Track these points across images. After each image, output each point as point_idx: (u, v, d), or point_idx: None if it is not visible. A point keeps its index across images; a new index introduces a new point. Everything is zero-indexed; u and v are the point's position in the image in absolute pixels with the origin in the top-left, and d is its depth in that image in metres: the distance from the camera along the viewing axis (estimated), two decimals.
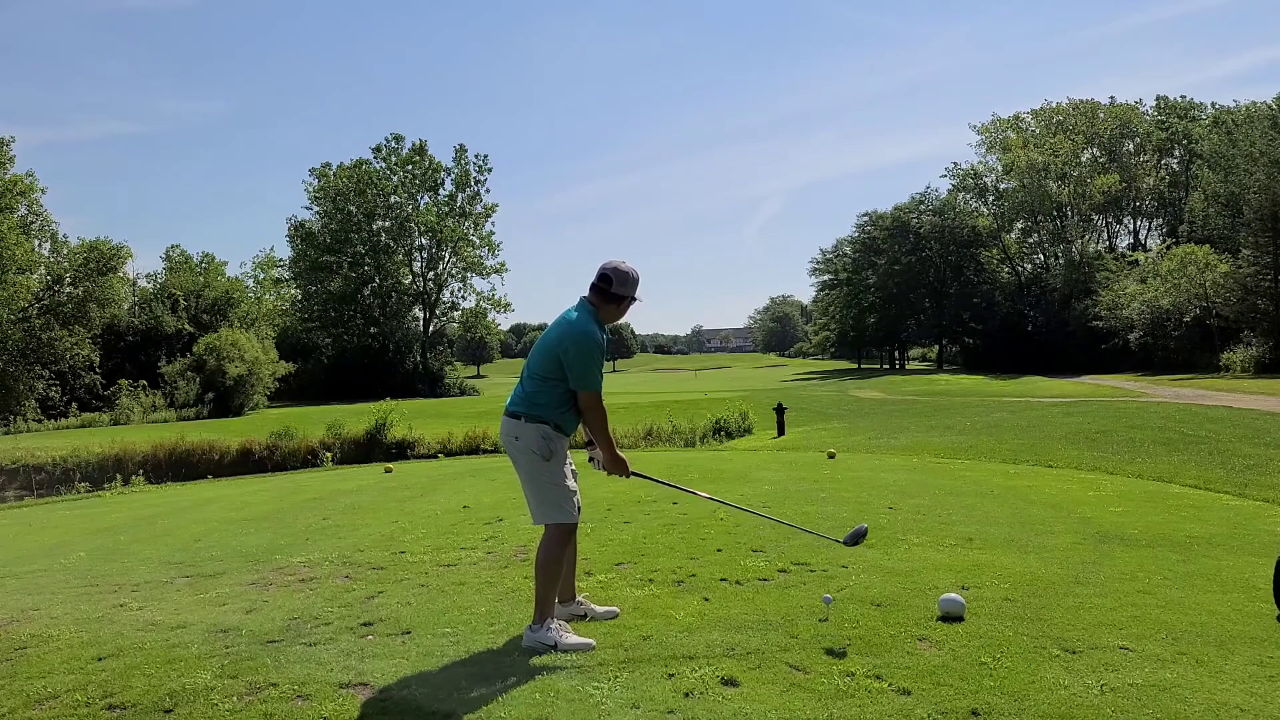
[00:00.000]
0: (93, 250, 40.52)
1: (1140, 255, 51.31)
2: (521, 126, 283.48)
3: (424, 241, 60.21)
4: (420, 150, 59.46)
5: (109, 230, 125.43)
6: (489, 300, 62.81)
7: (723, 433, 23.04)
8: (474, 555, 5.68)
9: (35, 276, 38.35)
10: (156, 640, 4.01)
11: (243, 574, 5.41)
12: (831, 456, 11.96)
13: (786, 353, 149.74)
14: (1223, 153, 47.47)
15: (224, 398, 39.65)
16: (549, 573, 3.82)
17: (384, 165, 59.11)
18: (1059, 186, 55.72)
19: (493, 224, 61.89)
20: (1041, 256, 62.04)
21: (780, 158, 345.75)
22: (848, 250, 71.79)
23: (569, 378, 3.80)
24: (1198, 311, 39.07)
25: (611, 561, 5.33)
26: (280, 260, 61.38)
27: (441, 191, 60.28)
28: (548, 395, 3.83)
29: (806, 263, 79.88)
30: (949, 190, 66.40)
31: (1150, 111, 61.22)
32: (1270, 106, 48.29)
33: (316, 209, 58.09)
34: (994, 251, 63.32)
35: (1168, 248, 47.23)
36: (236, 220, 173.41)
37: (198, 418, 37.20)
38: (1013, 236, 62.66)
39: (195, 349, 41.24)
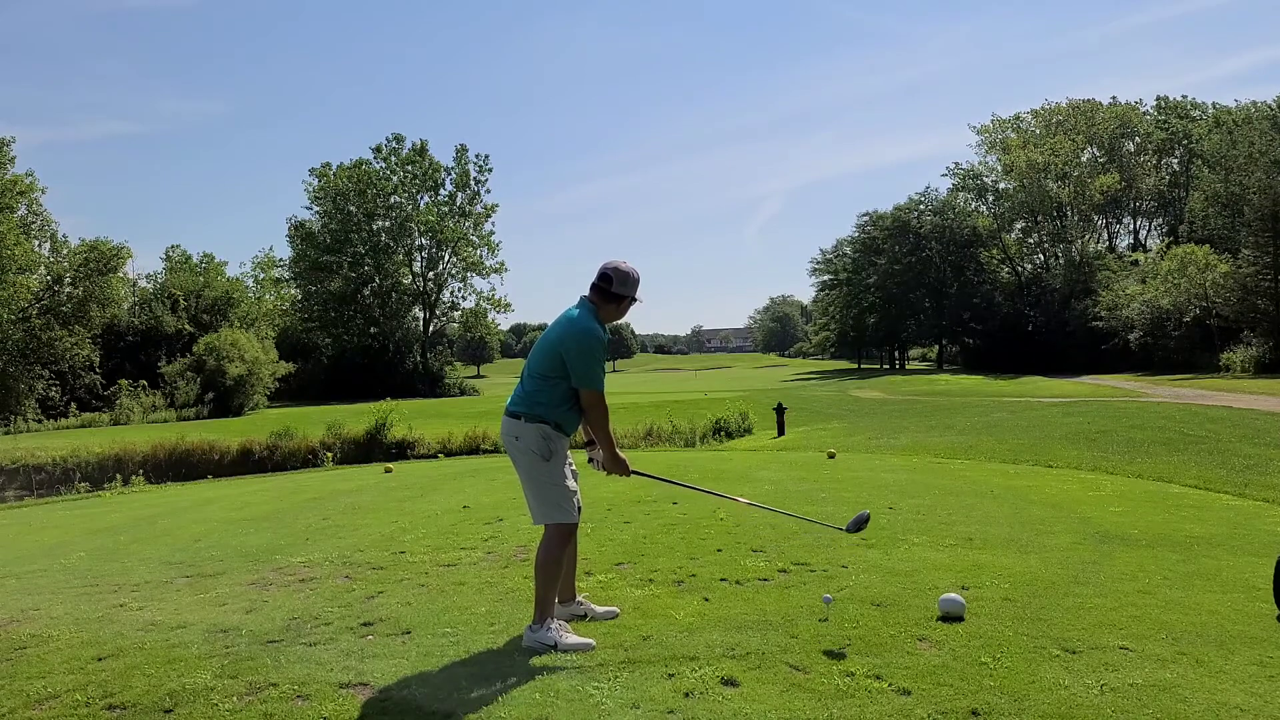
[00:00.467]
0: (93, 250, 40.52)
1: (1140, 255, 51.37)
2: (521, 126, 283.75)
3: (424, 241, 60.19)
4: (420, 150, 59.46)
5: (109, 230, 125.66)
6: (489, 300, 62.82)
7: (723, 433, 23.05)
8: (474, 555, 5.68)
9: (35, 276, 38.34)
10: (156, 640, 4.01)
11: (243, 574, 5.40)
12: (831, 456, 11.96)
13: (786, 353, 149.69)
14: (1223, 153, 47.48)
15: (224, 398, 39.64)
16: (549, 573, 3.82)
17: (384, 165, 59.09)
18: (1059, 186, 55.71)
19: (493, 224, 61.94)
20: (1041, 256, 62.04)
21: (780, 158, 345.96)
22: (848, 250, 71.74)
23: (571, 376, 3.80)
24: (1198, 311, 39.06)
25: (611, 561, 5.33)
26: (280, 260, 61.45)
27: (442, 191, 60.29)
28: (548, 394, 3.83)
29: (806, 263, 79.94)
30: (949, 190, 66.46)
31: (1150, 111, 61.25)
32: (1271, 106, 48.34)
33: (316, 209, 58.08)
34: (994, 251, 63.31)
35: (1168, 248, 47.25)
36: (236, 220, 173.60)
37: (198, 418, 37.19)
38: (1013, 236, 62.65)
39: (195, 349, 41.22)
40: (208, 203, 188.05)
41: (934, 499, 7.57)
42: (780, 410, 21.62)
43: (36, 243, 39.43)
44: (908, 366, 74.67)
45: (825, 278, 74.39)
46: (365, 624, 4.17)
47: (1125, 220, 63.11)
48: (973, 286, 63.42)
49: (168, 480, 19.55)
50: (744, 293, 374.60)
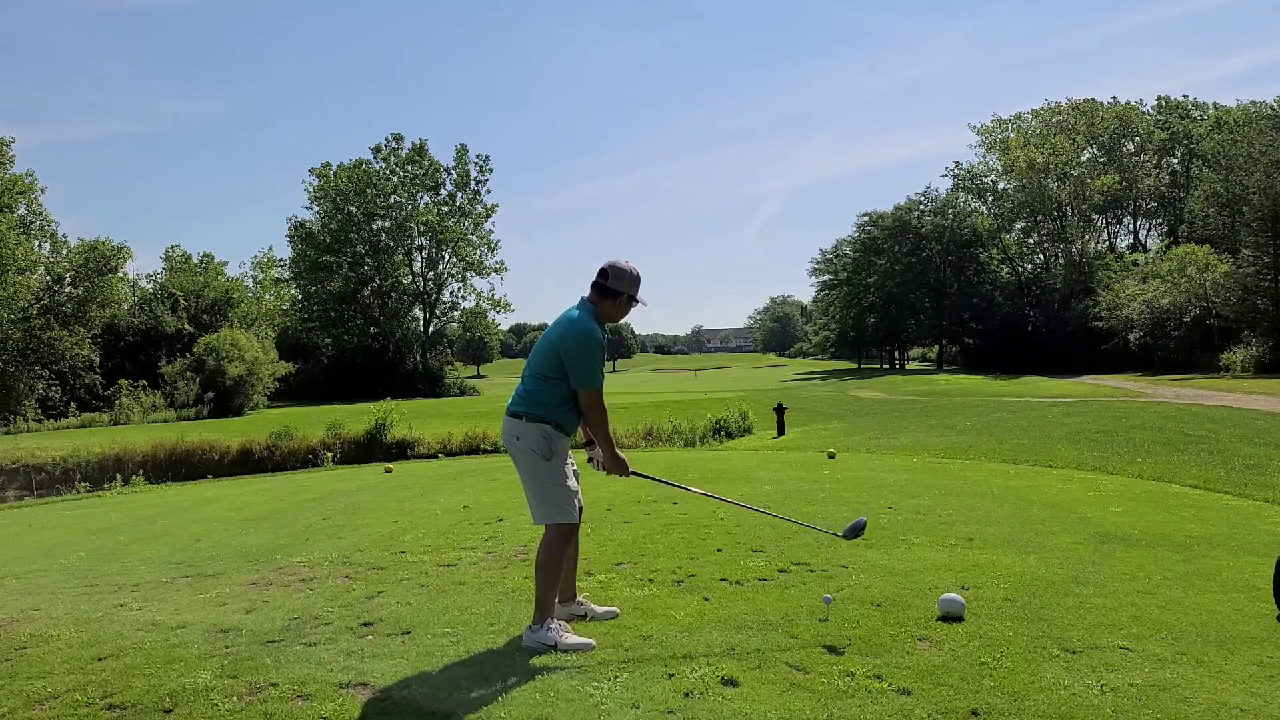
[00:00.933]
0: (93, 250, 40.53)
1: (1140, 255, 51.31)
2: (521, 126, 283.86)
3: (424, 241, 60.18)
4: (420, 150, 59.46)
5: (109, 230, 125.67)
6: (489, 300, 62.82)
7: (723, 433, 23.06)
8: (474, 555, 5.68)
9: (35, 276, 38.37)
10: (156, 640, 4.01)
11: (243, 574, 5.40)
12: (831, 456, 11.96)
13: (786, 353, 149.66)
14: (1223, 153, 47.47)
15: (224, 398, 39.65)
16: (549, 573, 3.82)
17: (384, 165, 59.11)
18: (1059, 186, 55.72)
19: (492, 224, 61.96)
20: (1041, 256, 62.05)
21: (780, 158, 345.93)
22: (848, 250, 71.71)
23: (570, 376, 3.80)
24: (1198, 311, 39.06)
25: (611, 561, 5.33)
26: (280, 260, 61.46)
27: (442, 191, 60.30)
28: (549, 394, 3.83)
29: (806, 263, 79.89)
30: (949, 190, 66.47)
31: (1151, 111, 61.23)
32: (1271, 106, 48.33)
33: (316, 209, 58.09)
34: (994, 251, 63.32)
35: (1168, 248, 47.26)
36: (236, 220, 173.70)
37: (198, 418, 37.19)
38: (1013, 236, 62.66)
39: (195, 349, 41.22)
40: (208, 203, 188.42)
41: (934, 499, 7.57)
42: (780, 410, 21.62)
43: (36, 243, 39.47)
44: (908, 366, 74.67)
45: (825, 278, 74.38)
46: (365, 624, 4.17)
47: (1125, 220, 63.08)
48: (973, 286, 63.43)
49: (168, 480, 19.56)
50: (744, 293, 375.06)
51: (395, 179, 59.02)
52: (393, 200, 58.58)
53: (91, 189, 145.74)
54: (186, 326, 46.94)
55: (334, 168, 57.99)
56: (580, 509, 4.06)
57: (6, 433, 33.03)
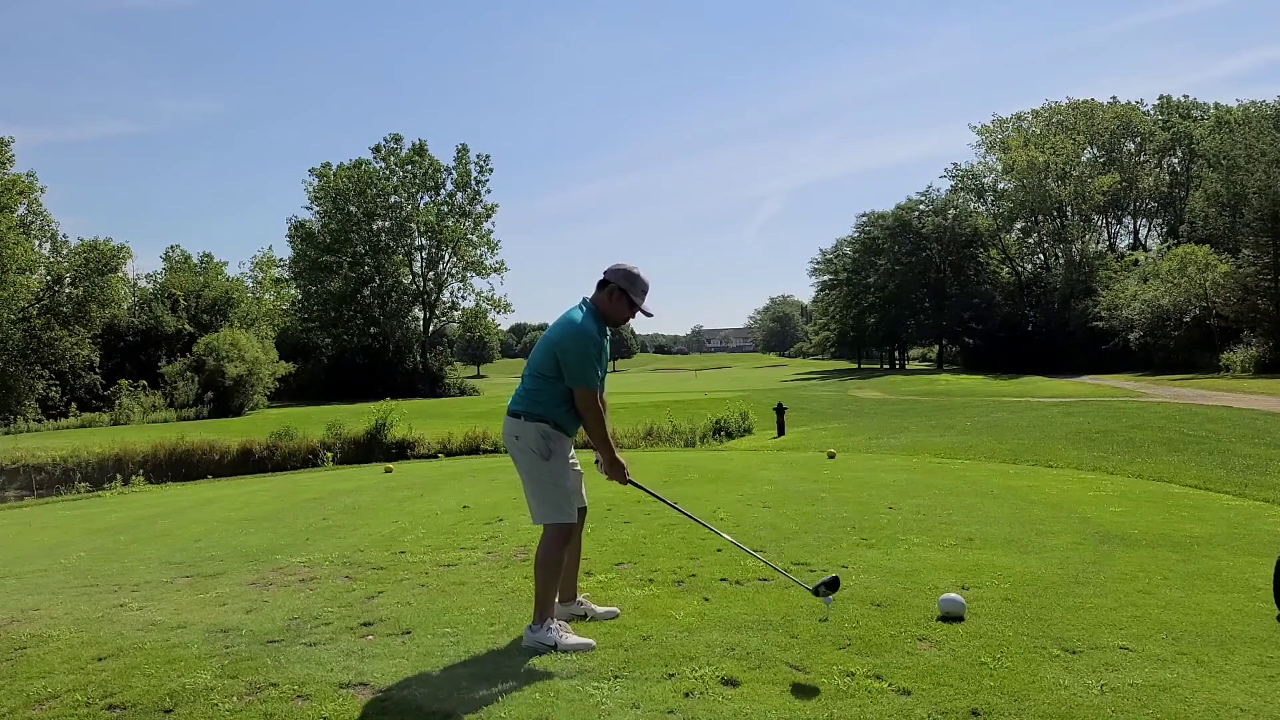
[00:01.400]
0: (93, 250, 40.55)
1: (1140, 255, 51.30)
2: (521, 126, 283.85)
3: (424, 241, 60.21)
4: (420, 150, 59.47)
5: (109, 230, 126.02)
6: (489, 300, 62.84)
7: (723, 433, 23.05)
8: (474, 555, 5.68)
9: (35, 276, 38.36)
10: (156, 640, 4.01)
11: (243, 574, 5.40)
12: (831, 456, 11.96)
13: (786, 353, 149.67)
14: (1224, 152, 47.46)
15: (224, 398, 39.65)
16: (548, 573, 3.82)
17: (384, 165, 59.12)
18: (1059, 186, 55.71)
19: (493, 224, 61.97)
20: (1041, 256, 62.06)
21: (780, 158, 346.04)
22: (848, 250, 71.72)
23: (565, 375, 3.80)
24: (1198, 311, 39.05)
25: (611, 561, 5.33)
26: (280, 260, 61.42)
27: (441, 191, 60.31)
28: (547, 393, 3.83)
29: (806, 263, 79.88)
30: (949, 190, 66.46)
31: (1151, 111, 61.23)
32: (1272, 106, 48.32)
33: (316, 209, 58.10)
34: (994, 251, 63.32)
35: (1168, 248, 47.23)
36: (236, 220, 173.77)
37: (198, 418, 37.19)
38: (1012, 236, 62.66)
39: (195, 349, 41.23)
40: (207, 203, 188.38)
41: (934, 499, 7.56)
42: (780, 410, 21.61)
43: (36, 243, 39.48)
44: (908, 366, 74.67)
45: (825, 278, 74.39)
46: (365, 624, 4.17)
47: (1125, 220, 63.08)
48: (973, 286, 63.44)
49: (168, 480, 19.55)
50: (744, 293, 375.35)
51: (395, 179, 59.03)
52: (392, 200, 58.60)
53: (91, 189, 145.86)
54: (186, 326, 46.94)
55: (334, 168, 58.01)
56: (584, 509, 4.06)
57: (7, 433, 33.02)
